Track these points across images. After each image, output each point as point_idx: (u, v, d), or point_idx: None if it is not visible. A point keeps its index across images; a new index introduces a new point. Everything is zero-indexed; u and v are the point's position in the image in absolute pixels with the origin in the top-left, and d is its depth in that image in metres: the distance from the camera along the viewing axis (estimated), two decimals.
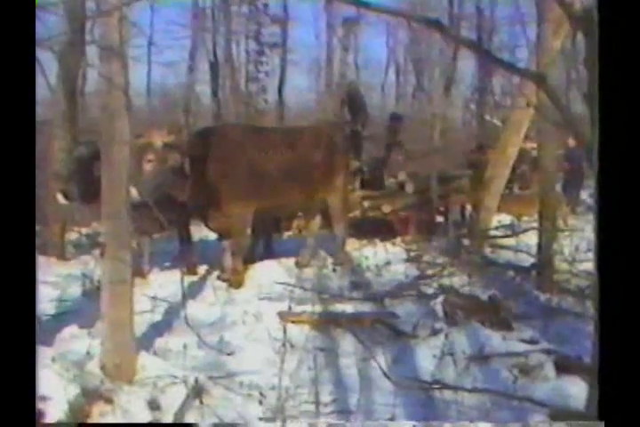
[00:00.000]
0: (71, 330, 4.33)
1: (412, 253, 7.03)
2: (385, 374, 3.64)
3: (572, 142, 9.39)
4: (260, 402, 3.44)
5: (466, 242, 7.31)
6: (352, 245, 7.26)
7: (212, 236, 6.80)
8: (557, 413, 3.21)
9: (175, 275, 5.39)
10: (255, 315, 4.76)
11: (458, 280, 5.68)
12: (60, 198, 5.60)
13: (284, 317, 4.60)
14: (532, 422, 3.19)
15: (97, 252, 5.92)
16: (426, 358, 3.97)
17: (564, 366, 3.78)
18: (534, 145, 7.03)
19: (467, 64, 20.06)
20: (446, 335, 4.15)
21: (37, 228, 6.33)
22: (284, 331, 4.03)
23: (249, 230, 6.00)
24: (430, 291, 5.39)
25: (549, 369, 3.78)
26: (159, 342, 4.19)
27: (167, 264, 6.36)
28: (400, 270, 6.29)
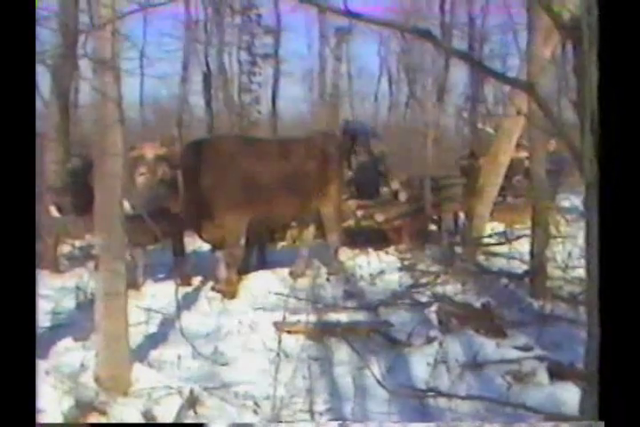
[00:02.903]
0: (66, 343, 4.31)
1: (406, 262, 7.04)
2: (379, 382, 3.64)
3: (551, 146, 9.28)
4: (255, 412, 3.44)
5: (459, 250, 7.33)
6: (346, 255, 7.27)
7: (206, 247, 6.80)
8: (551, 419, 3.22)
9: (169, 286, 5.39)
10: (250, 325, 4.77)
11: (451, 288, 5.70)
12: (54, 211, 5.62)
13: (279, 327, 4.61)
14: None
15: (91, 264, 5.91)
16: (420, 366, 3.99)
17: (558, 373, 3.79)
18: (527, 154, 7.04)
19: (459, 73, 20.12)
20: (440, 343, 4.17)
21: None
22: (279, 341, 4.04)
23: (243, 241, 6.00)
24: (424, 299, 5.40)
25: (543, 376, 3.79)
26: (154, 354, 4.20)
27: (161, 276, 6.36)
28: (394, 279, 6.29)
